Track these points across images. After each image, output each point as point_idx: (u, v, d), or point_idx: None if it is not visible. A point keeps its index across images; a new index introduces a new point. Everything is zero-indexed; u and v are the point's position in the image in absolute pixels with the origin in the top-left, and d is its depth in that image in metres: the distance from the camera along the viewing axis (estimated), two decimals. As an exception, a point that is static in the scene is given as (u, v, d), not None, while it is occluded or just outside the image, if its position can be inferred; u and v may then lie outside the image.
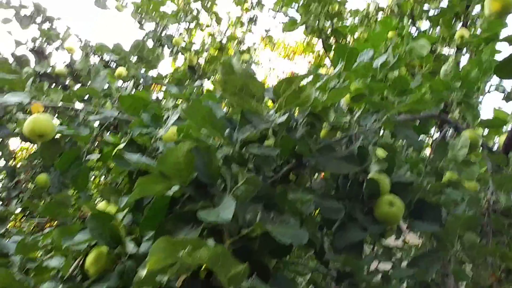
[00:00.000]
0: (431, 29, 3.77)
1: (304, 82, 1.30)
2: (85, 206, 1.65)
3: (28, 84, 1.94)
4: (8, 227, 3.39)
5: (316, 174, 1.62)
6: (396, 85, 1.70)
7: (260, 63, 7.03)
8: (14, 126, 2.54)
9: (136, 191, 1.12)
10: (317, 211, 1.40)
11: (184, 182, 1.13)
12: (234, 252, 0.98)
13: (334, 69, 1.60)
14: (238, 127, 1.31)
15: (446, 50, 3.62)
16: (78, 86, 3.59)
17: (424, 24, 4.04)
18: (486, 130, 2.46)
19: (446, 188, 1.78)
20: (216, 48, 5.41)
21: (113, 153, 1.69)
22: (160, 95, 4.23)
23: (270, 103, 1.47)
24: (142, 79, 3.71)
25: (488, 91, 2.17)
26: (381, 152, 1.53)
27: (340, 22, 4.50)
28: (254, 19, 5.87)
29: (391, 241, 2.25)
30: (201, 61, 5.16)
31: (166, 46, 4.73)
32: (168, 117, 1.74)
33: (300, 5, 4.36)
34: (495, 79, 2.21)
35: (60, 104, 2.03)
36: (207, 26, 5.60)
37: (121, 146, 1.71)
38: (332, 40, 4.56)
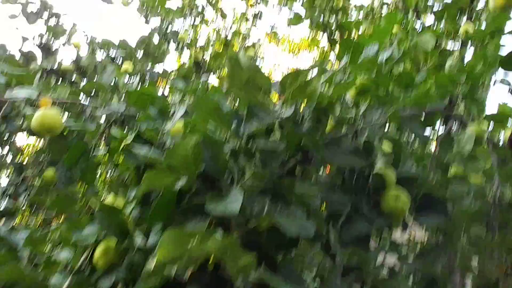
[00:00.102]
0: (436, 23, 3.76)
1: (309, 76, 1.30)
2: (93, 200, 1.66)
3: (36, 79, 1.95)
4: (15, 222, 3.41)
5: (322, 169, 1.62)
6: (401, 79, 1.70)
7: (265, 58, 7.03)
8: (22, 122, 2.55)
9: (145, 183, 1.13)
10: (323, 205, 1.40)
11: (192, 175, 1.14)
12: (241, 246, 0.99)
13: (339, 64, 1.60)
14: (244, 121, 1.31)
15: (451, 45, 3.60)
16: (84, 82, 3.60)
17: (429, 19, 4.03)
18: (492, 125, 2.46)
19: (452, 182, 1.78)
20: (221, 43, 5.42)
21: (121, 147, 1.70)
22: (166, 91, 4.23)
23: (276, 97, 1.47)
24: (148, 74, 3.72)
25: (493, 84, 2.17)
26: (387, 146, 1.53)
27: (345, 17, 4.50)
28: (259, 14, 5.86)
29: (397, 237, 2.25)
30: (206, 57, 5.16)
31: (171, 41, 4.74)
32: (174, 111, 1.74)
33: (305, 0, 4.36)
34: (499, 74, 2.21)
35: (67, 99, 2.05)
36: (212, 21, 5.60)
37: (129, 140, 1.71)
38: (337, 35, 4.56)
